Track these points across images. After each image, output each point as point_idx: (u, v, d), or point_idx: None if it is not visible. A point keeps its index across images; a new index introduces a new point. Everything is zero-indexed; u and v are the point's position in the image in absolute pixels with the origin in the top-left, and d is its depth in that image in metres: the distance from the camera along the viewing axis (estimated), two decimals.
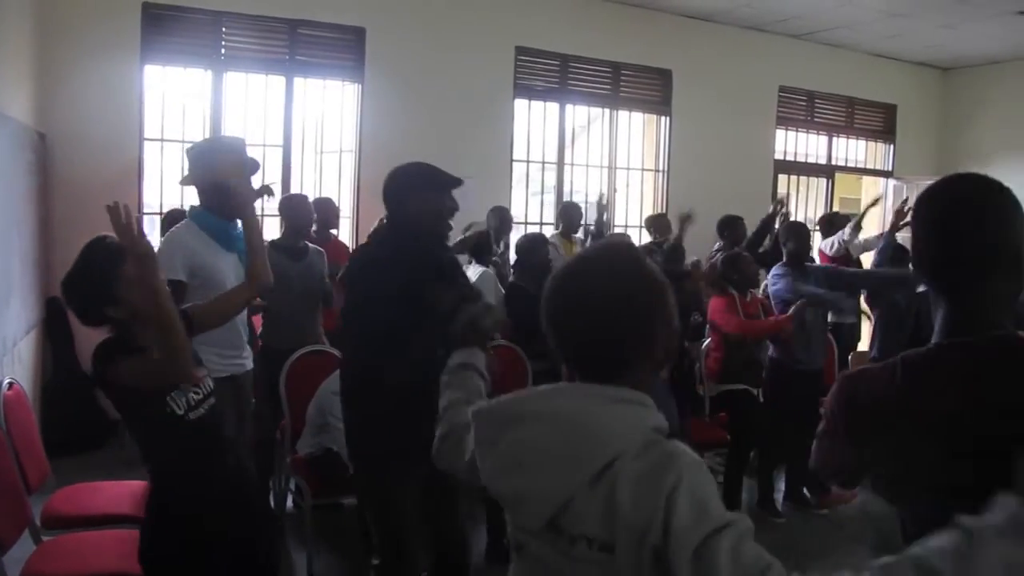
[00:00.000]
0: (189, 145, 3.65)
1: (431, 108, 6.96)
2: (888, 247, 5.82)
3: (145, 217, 6.31)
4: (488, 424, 1.40)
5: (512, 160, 7.51)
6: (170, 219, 4.93)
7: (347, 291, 3.06)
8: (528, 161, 7.73)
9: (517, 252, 5.63)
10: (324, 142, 6.94)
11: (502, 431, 1.36)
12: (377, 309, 2.76)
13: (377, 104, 6.78)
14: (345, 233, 6.61)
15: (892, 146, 10.18)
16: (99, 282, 2.13)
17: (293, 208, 4.76)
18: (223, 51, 6.33)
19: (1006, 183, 1.48)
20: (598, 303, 1.33)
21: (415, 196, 2.93)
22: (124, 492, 3.46)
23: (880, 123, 10.10)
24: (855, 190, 11.19)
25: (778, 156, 9.22)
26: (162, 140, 6.23)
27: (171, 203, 6.37)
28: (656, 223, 7.03)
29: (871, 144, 10.18)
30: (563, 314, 1.37)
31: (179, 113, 6.33)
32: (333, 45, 6.73)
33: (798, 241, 5.03)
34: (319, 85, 6.83)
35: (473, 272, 5.74)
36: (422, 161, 3.08)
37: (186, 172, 3.54)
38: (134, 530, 2.59)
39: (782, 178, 9.35)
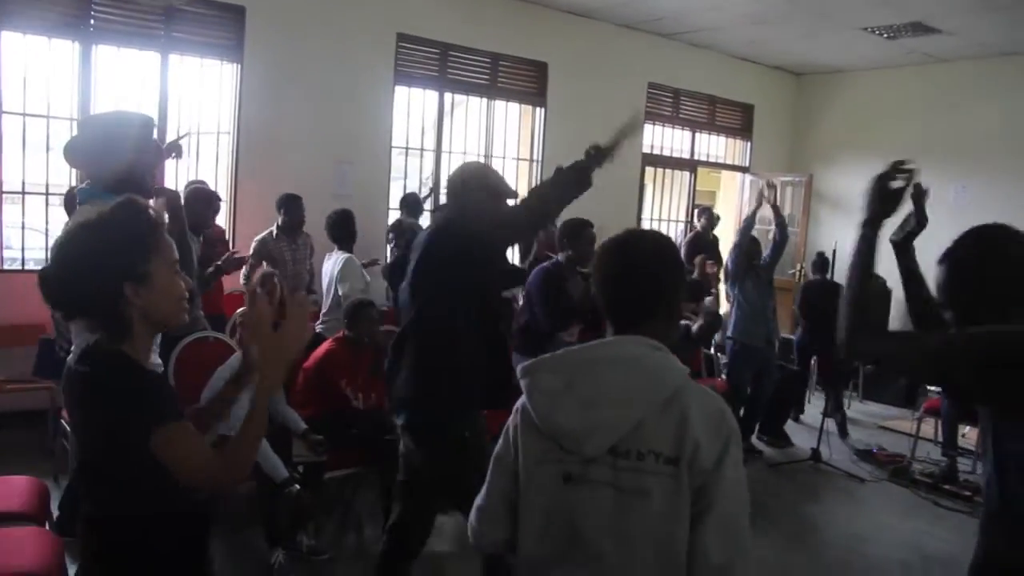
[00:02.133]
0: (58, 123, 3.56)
1: (311, 92, 6.88)
2: (744, 239, 6.50)
3: (5, 196, 6.01)
4: (557, 372, 1.72)
5: (392, 147, 7.52)
6: (70, 199, 4.71)
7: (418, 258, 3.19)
8: (407, 148, 7.76)
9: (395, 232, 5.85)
10: (201, 123, 6.74)
11: (578, 375, 1.69)
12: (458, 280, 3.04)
13: (256, 86, 6.65)
14: (222, 217, 6.46)
15: (749, 143, 10.77)
16: (133, 247, 1.78)
17: (198, 200, 4.96)
18: (92, 23, 6.04)
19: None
20: (647, 265, 1.76)
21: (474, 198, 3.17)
22: None
23: (739, 121, 10.66)
24: (714, 184, 11.78)
25: (646, 150, 9.58)
26: (24, 114, 5.91)
27: (34, 181, 6.09)
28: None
29: (730, 141, 10.75)
30: (619, 271, 1.77)
31: (43, 86, 6.01)
32: (211, 23, 6.53)
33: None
34: (196, 64, 6.62)
35: (336, 258, 5.80)
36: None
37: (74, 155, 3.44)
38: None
39: (649, 171, 9.74)
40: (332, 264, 5.86)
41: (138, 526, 1.84)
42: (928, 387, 7.14)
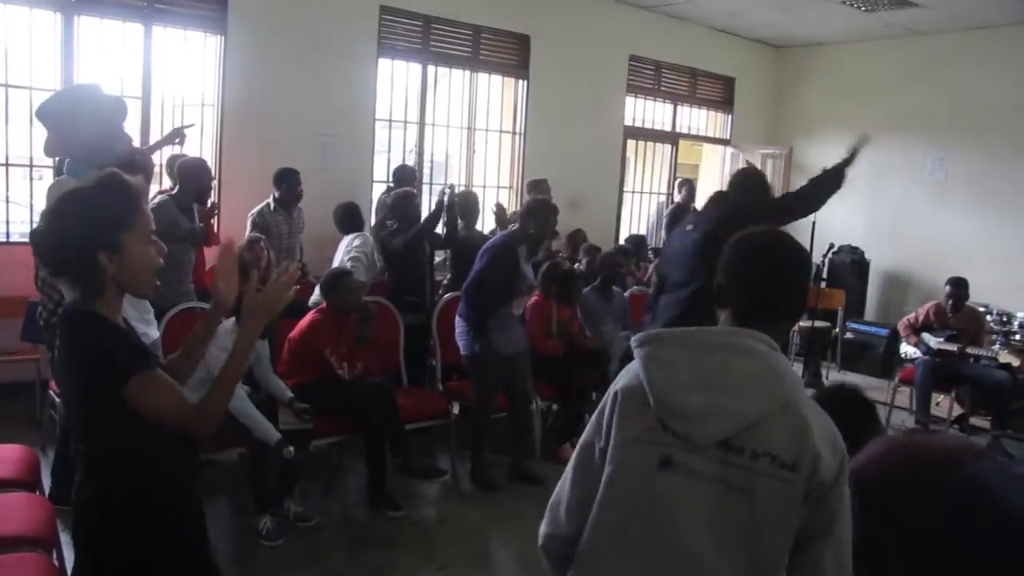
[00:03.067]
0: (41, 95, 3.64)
1: (295, 64, 6.89)
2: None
3: None
4: (681, 347, 1.64)
5: (375, 119, 7.54)
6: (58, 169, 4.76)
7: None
8: (391, 121, 7.78)
9: (392, 208, 5.84)
10: (185, 95, 6.74)
11: (705, 354, 1.62)
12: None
13: (240, 58, 6.64)
14: None
15: (731, 116, 10.84)
16: (109, 220, 1.94)
17: (193, 172, 5.15)
18: None
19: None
20: (796, 271, 1.75)
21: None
22: None
23: (720, 94, 10.72)
24: (696, 157, 11.85)
25: (627, 122, 9.64)
26: (6, 86, 5.90)
27: (17, 154, 6.08)
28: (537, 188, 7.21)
29: (712, 114, 10.81)
30: (770, 271, 1.71)
31: (26, 58, 5.99)
32: None
33: None
34: (180, 36, 6.61)
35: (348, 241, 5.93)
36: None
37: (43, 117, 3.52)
38: None
39: (631, 143, 9.80)
40: (346, 243, 6.01)
41: (129, 486, 1.98)
42: (902, 357, 7.28)
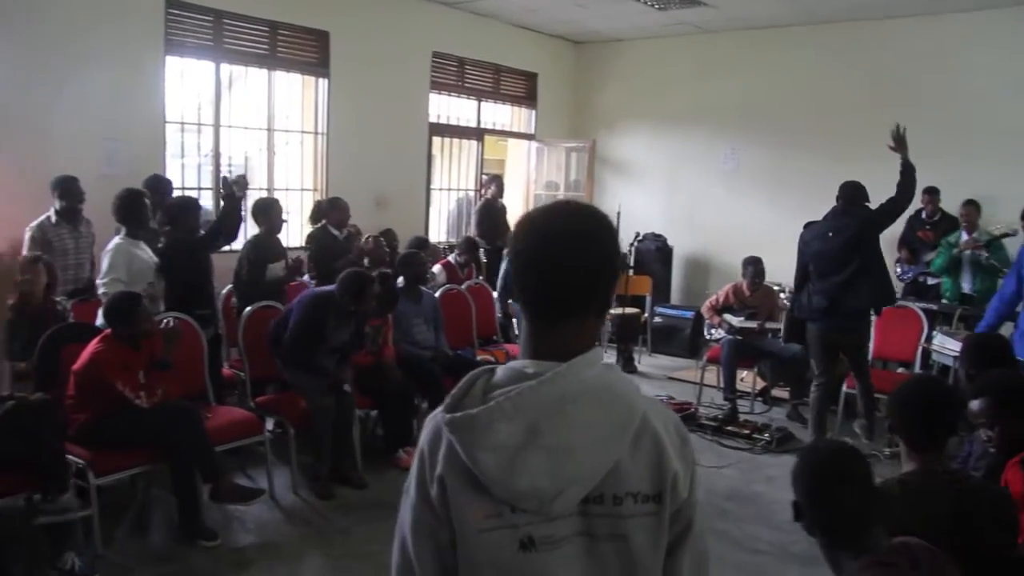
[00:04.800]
0: None
1: (73, 62, 6.30)
2: None
3: None
4: (515, 419, 1.32)
5: (165, 122, 7.07)
6: None
7: None
8: (183, 123, 7.32)
9: (169, 213, 5.38)
10: None
11: (545, 419, 1.32)
12: None
13: (10, 55, 6.02)
14: None
15: (534, 111, 10.97)
16: None
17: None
18: None
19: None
20: (596, 259, 1.39)
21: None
22: None
23: (523, 90, 10.84)
24: (501, 152, 11.95)
25: (432, 119, 9.55)
26: None
27: None
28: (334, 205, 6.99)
29: (516, 109, 10.91)
30: (554, 262, 1.37)
31: None
32: None
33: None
34: None
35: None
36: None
37: None
38: None
39: (436, 140, 9.72)
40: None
41: None
42: (707, 338, 7.63)
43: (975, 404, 2.79)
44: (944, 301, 7.48)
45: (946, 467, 2.52)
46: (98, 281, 5.02)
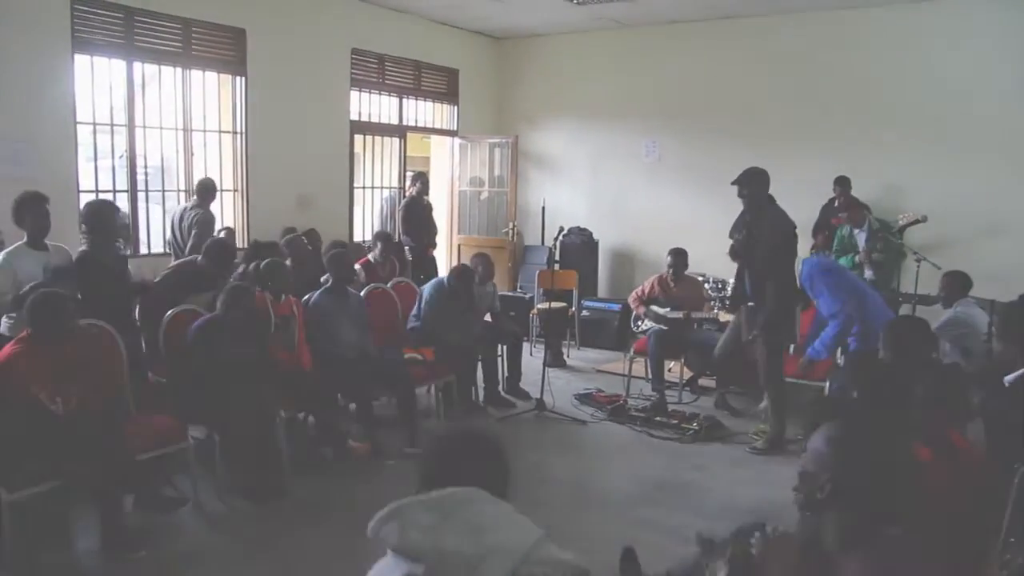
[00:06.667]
0: None
1: None
2: None
3: None
4: (431, 509, 1.60)
5: (77, 122, 6.84)
6: None
7: None
8: (95, 124, 7.09)
9: (87, 219, 5.18)
10: None
11: (455, 510, 1.61)
12: None
13: None
14: None
15: (456, 107, 10.95)
16: None
17: None
18: None
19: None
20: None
21: None
22: None
23: (445, 86, 10.79)
24: (425, 149, 11.90)
25: (353, 117, 9.45)
26: None
27: None
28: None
29: (438, 106, 10.86)
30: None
31: None
32: None
33: None
34: None
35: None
36: None
37: None
38: None
39: (358, 138, 9.62)
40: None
41: None
42: (634, 330, 7.71)
43: None
44: None
45: None
46: None
